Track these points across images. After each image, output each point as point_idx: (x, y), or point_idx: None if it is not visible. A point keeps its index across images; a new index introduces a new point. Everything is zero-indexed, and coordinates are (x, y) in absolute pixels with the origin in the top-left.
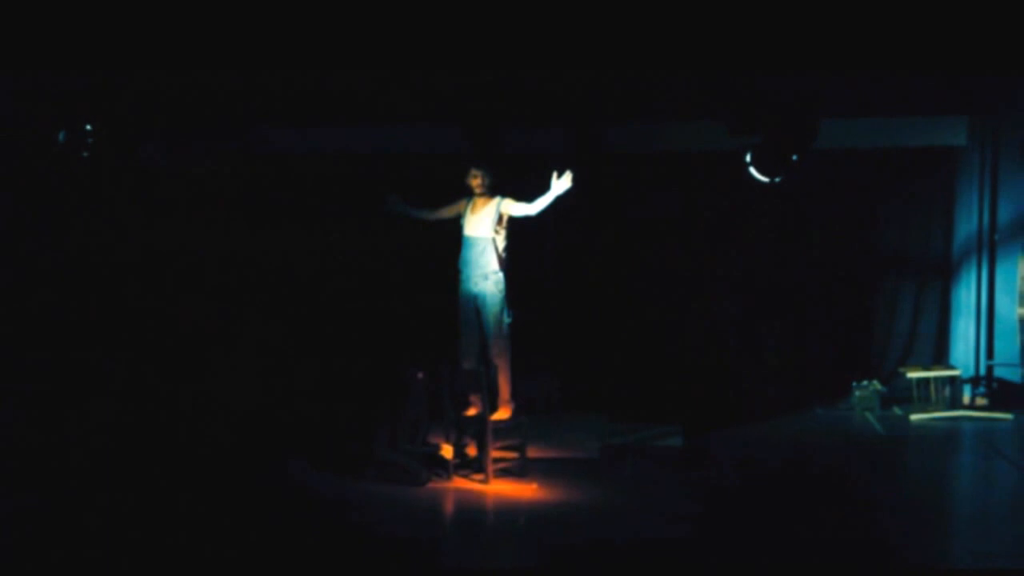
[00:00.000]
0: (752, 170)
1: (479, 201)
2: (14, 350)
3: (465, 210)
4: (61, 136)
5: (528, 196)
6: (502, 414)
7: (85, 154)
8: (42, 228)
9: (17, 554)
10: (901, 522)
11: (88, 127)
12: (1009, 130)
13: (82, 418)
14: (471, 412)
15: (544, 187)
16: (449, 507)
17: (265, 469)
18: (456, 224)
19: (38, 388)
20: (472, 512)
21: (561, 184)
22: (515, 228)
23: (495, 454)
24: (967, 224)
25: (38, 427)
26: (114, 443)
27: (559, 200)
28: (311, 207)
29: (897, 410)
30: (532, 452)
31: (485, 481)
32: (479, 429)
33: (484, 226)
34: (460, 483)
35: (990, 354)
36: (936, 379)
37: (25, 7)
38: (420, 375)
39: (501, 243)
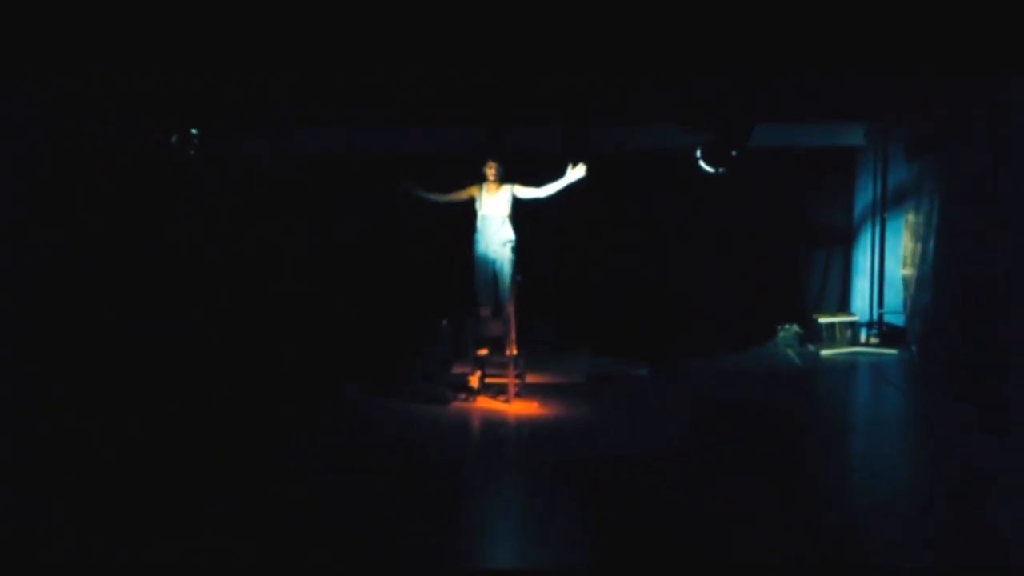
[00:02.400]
0: (701, 163)
1: (492, 186)
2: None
3: (480, 194)
4: (173, 139)
5: (533, 184)
6: (511, 350)
7: (192, 152)
8: (151, 214)
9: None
10: (812, 430)
11: (194, 131)
12: (896, 133)
13: (187, 349)
14: (483, 352)
15: (541, 178)
16: (475, 421)
17: (328, 393)
18: (462, 207)
19: (152, 331)
20: (493, 424)
21: (575, 173)
22: (524, 210)
23: (497, 380)
24: (864, 204)
25: (160, 354)
26: (225, 375)
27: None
28: (357, 195)
29: (811, 347)
30: (531, 379)
31: (508, 401)
32: (498, 363)
33: (500, 206)
34: (483, 403)
35: (880, 304)
36: (840, 323)
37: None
38: (444, 323)
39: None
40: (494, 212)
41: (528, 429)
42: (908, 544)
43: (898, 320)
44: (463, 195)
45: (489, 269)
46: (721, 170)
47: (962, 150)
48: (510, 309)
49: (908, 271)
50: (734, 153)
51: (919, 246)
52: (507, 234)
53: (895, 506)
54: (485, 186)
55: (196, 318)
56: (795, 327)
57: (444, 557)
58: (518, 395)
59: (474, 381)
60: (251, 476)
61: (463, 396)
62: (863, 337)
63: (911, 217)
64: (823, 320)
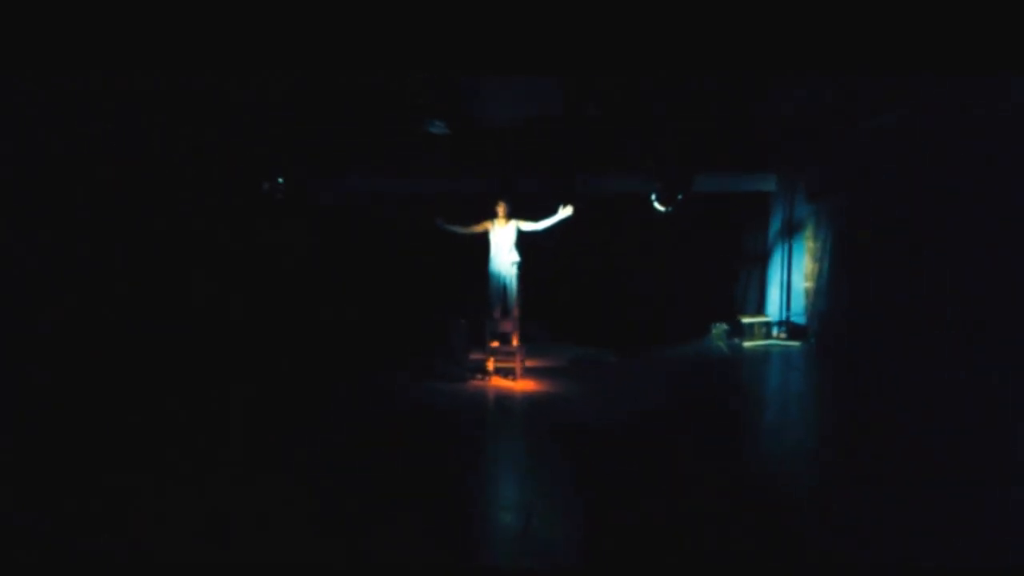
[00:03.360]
0: (655, 203)
1: (502, 221)
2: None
3: (492, 227)
4: (265, 187)
5: (533, 220)
6: (516, 342)
7: (279, 196)
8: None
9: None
10: (738, 397)
11: (280, 180)
12: (798, 182)
13: (261, 345)
14: (495, 344)
15: (539, 215)
16: (489, 394)
17: (373, 374)
18: (477, 236)
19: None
20: (502, 396)
21: (564, 211)
22: (526, 239)
23: (504, 364)
24: (775, 233)
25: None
26: (294, 361)
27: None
28: (401, 225)
29: (736, 340)
30: (530, 363)
31: (514, 379)
32: (506, 352)
33: (509, 237)
34: (495, 381)
35: (788, 308)
36: (758, 323)
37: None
38: (463, 322)
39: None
40: (503, 241)
41: (528, 400)
42: (809, 477)
43: (801, 320)
44: (480, 228)
45: (500, 284)
46: (670, 209)
47: (850, 194)
48: (516, 312)
49: (809, 284)
50: (680, 196)
51: (817, 265)
52: (513, 257)
53: (797, 450)
54: (496, 221)
55: (258, 314)
56: (724, 325)
57: (468, 490)
58: (521, 375)
59: (489, 365)
60: (318, 430)
61: (479, 376)
62: (775, 333)
63: (810, 243)
64: (745, 320)
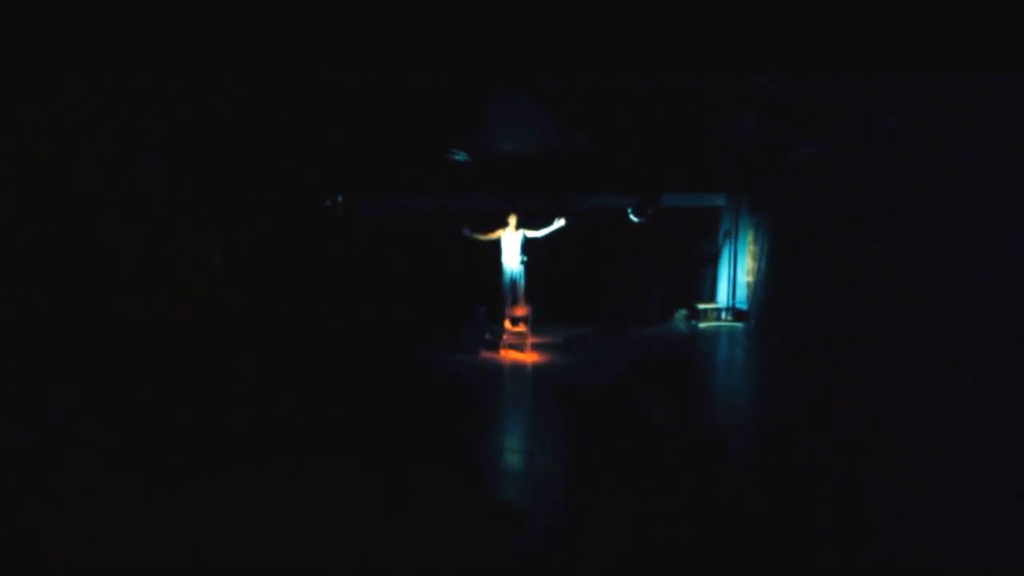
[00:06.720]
0: (631, 215)
1: (512, 229)
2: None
3: (505, 234)
4: (327, 202)
5: (535, 229)
6: (524, 325)
7: (339, 210)
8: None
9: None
10: (695, 364)
11: (340, 198)
12: (742, 199)
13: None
14: (507, 324)
15: (540, 225)
16: (505, 363)
17: (409, 346)
18: (493, 241)
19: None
20: (512, 365)
21: (559, 222)
22: (531, 243)
23: (515, 341)
24: (724, 239)
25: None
26: (349, 345)
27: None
28: (431, 233)
29: (693, 322)
30: (533, 340)
31: (523, 351)
32: (516, 332)
33: (517, 243)
34: (508, 353)
35: (734, 297)
36: (711, 308)
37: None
38: (482, 309)
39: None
40: (513, 245)
41: (535, 367)
42: (747, 423)
43: (743, 306)
44: (495, 235)
45: (510, 278)
46: (643, 219)
47: (777, 210)
48: (523, 300)
49: (750, 278)
50: (650, 210)
51: (756, 263)
52: (522, 257)
53: (741, 403)
54: (508, 229)
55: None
56: (684, 310)
57: (487, 434)
58: (529, 349)
59: (503, 340)
60: (366, 386)
61: (495, 350)
62: (723, 316)
63: (751, 247)
64: (701, 306)
